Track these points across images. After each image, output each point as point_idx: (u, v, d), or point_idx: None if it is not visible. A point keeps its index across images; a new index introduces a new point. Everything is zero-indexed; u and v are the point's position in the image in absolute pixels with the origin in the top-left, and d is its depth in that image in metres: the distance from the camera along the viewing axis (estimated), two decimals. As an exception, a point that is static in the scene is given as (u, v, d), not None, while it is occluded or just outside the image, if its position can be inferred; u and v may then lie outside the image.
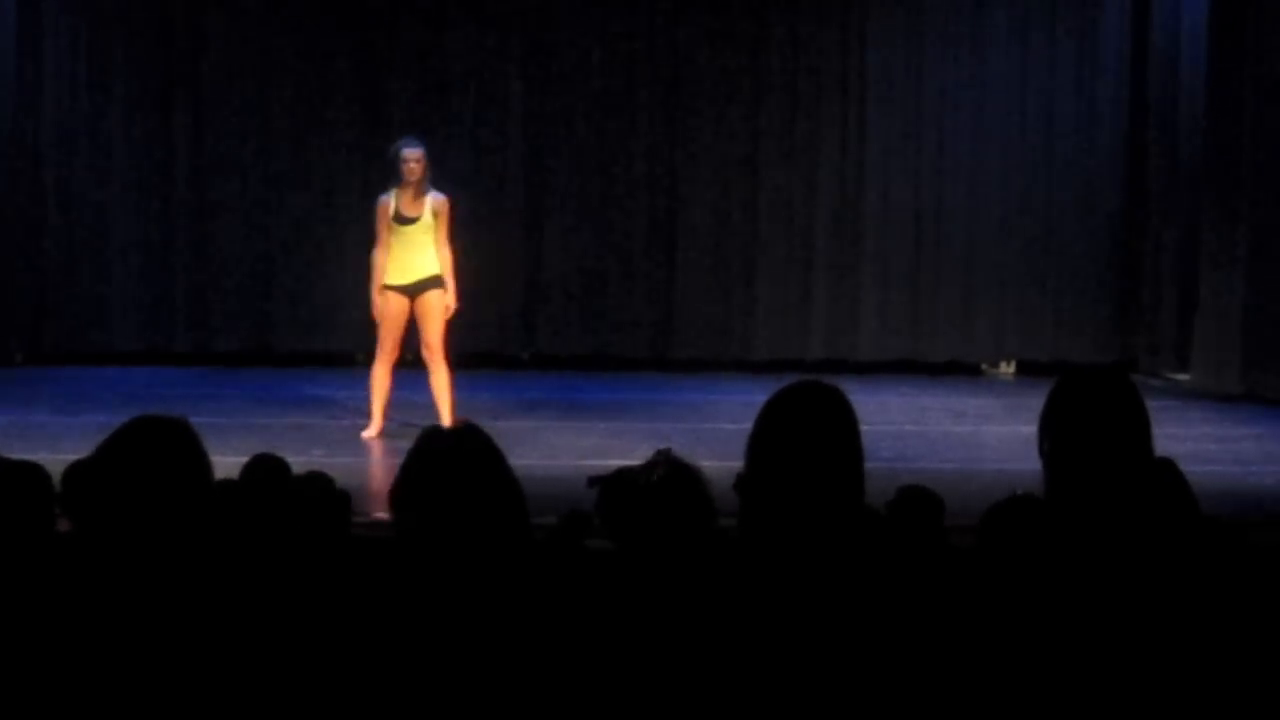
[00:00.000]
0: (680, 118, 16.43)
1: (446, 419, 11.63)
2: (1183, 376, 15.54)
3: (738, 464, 3.98)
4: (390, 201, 11.96)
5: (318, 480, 5.51)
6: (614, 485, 4.55)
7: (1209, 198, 15.15)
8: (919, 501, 5.76)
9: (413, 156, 11.94)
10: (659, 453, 4.57)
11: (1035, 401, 4.17)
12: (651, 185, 16.44)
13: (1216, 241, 14.97)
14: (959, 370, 16.48)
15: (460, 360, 16.05)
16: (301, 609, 3.81)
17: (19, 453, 5.74)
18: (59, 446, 8.94)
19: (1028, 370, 16.24)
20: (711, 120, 16.44)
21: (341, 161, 16.25)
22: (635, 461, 4.59)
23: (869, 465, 3.94)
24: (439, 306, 12.01)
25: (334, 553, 4.79)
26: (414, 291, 11.98)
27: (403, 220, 11.93)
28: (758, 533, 3.90)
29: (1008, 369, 16.82)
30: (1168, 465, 4.05)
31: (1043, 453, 4.01)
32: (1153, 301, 16.16)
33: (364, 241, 16.04)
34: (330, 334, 15.95)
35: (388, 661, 3.65)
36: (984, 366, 16.82)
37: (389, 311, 12.02)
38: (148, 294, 16.19)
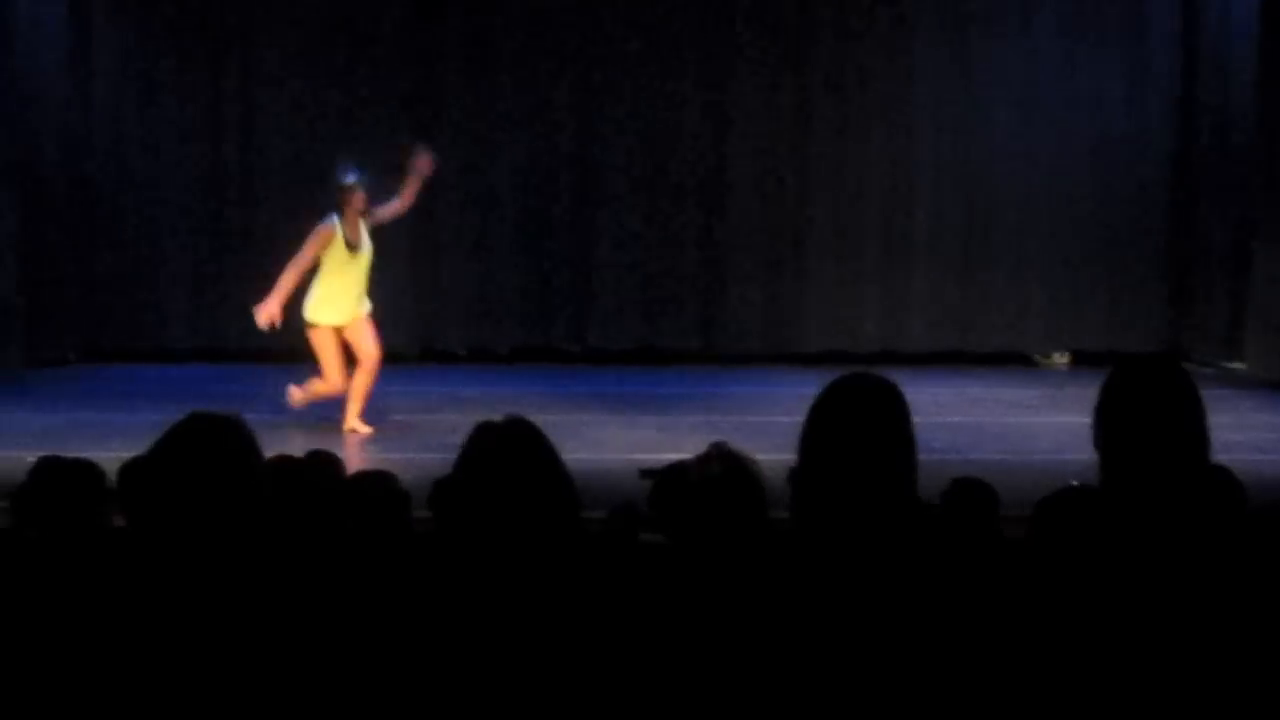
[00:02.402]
0: (729, 111, 16.42)
1: (356, 418, 11.95)
2: (1236, 365, 15.47)
3: (790, 457, 3.97)
4: (336, 230, 11.89)
5: (380, 478, 5.53)
6: (666, 478, 4.55)
7: (1260, 183, 15.08)
8: (972, 493, 5.76)
9: (355, 184, 11.92)
10: (713, 445, 4.56)
11: (1088, 391, 4.14)
12: (701, 178, 16.44)
13: (1268, 228, 14.89)
14: (1011, 361, 16.44)
15: (510, 354, 16.20)
16: (355, 603, 3.82)
17: (74, 450, 5.79)
18: (114, 444, 8.97)
19: (1081, 360, 16.19)
20: (760, 113, 16.43)
21: (392, 159, 16.28)
22: (686, 455, 4.59)
23: (921, 457, 3.92)
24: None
25: (391, 548, 4.80)
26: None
27: (353, 247, 11.95)
28: (811, 526, 3.89)
29: (1061, 359, 16.76)
30: (1222, 472, 4.02)
31: (1097, 443, 3.99)
32: (1205, 290, 16.10)
33: (420, 239, 16.19)
34: (383, 330, 15.96)
35: (440, 655, 3.66)
36: (1036, 357, 16.78)
37: (331, 345, 12.03)
38: (201, 291, 16.26)
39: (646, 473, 4.64)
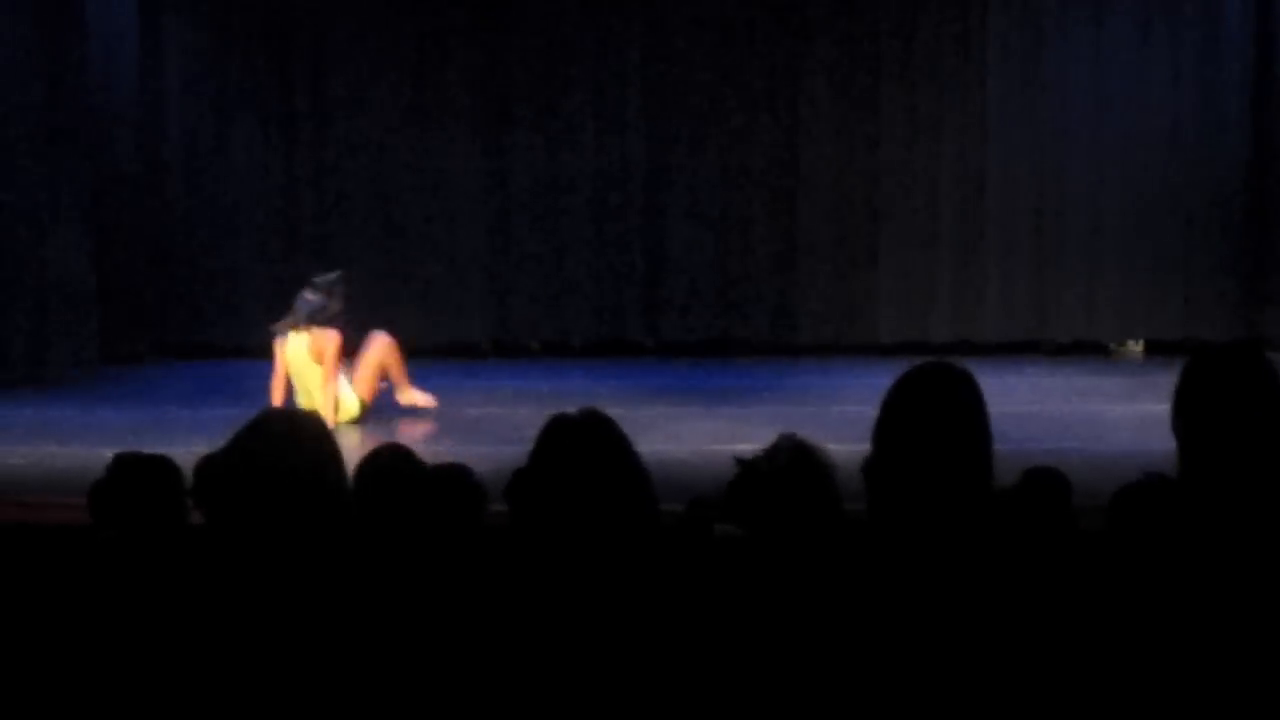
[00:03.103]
0: (800, 102, 16.37)
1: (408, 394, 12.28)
2: (1315, 352, 15.32)
3: (864, 447, 3.96)
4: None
5: (455, 472, 5.53)
6: (742, 470, 4.55)
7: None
8: (1046, 483, 5.72)
9: (332, 298, 12.17)
10: (782, 437, 4.56)
11: (1163, 380, 4.12)
12: (773, 169, 16.40)
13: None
14: (1085, 350, 16.33)
15: (584, 348, 16.20)
16: (432, 598, 3.83)
17: (150, 447, 5.82)
18: (190, 440, 9.01)
19: (1156, 349, 16.07)
20: (832, 103, 16.37)
21: (461, 155, 16.34)
22: (762, 447, 4.59)
23: (996, 447, 3.91)
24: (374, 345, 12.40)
25: (467, 543, 4.81)
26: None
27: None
28: (886, 517, 3.88)
29: (1135, 348, 16.64)
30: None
31: (1177, 432, 3.96)
32: (1282, 275, 15.96)
33: (492, 234, 16.24)
34: (455, 324, 16.05)
35: (519, 648, 3.66)
36: (1111, 346, 16.67)
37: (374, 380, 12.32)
38: (272, 288, 16.31)
39: (740, 460, 4.66)
